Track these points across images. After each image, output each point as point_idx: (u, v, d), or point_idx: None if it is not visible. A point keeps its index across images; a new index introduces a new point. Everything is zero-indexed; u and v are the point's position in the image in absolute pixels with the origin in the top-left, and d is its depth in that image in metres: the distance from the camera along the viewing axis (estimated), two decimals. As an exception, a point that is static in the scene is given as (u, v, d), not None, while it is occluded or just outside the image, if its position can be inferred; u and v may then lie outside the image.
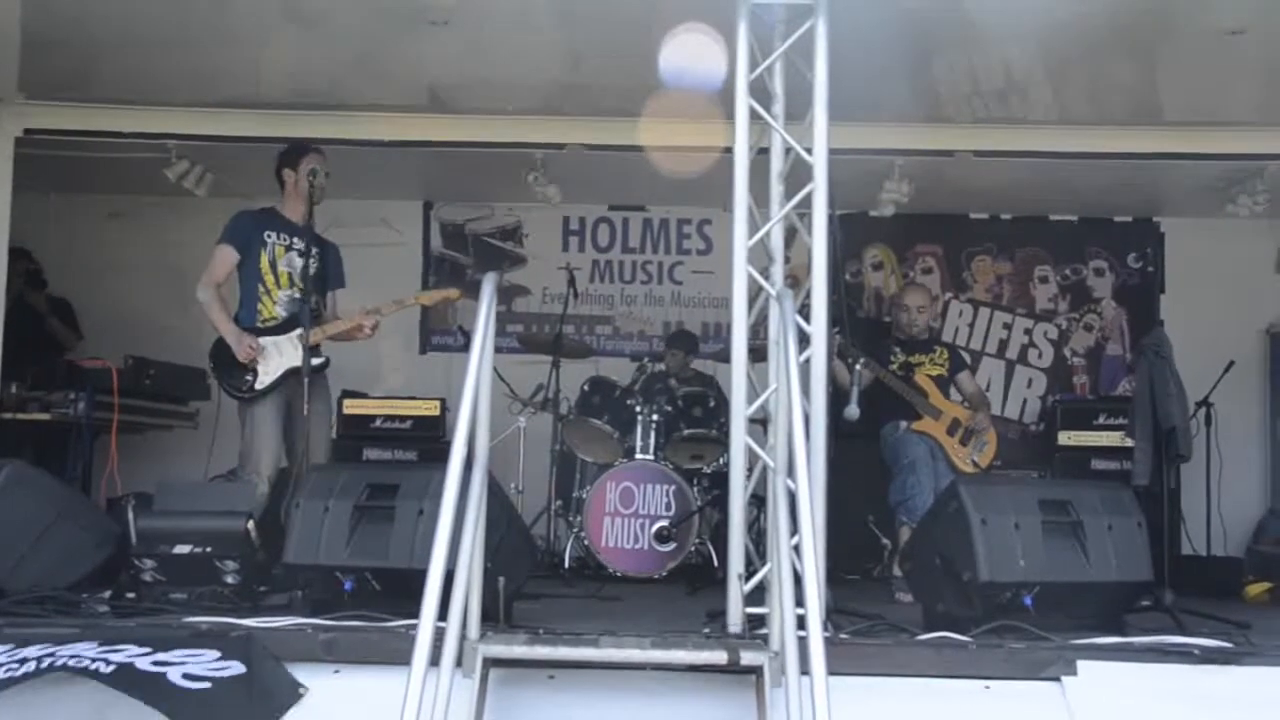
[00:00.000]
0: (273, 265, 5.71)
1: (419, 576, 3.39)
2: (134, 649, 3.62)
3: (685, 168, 6.86)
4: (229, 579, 4.51)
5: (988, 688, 3.75)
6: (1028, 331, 8.59)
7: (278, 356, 5.64)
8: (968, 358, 7.42)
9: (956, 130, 6.59)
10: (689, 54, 5.25)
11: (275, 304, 5.72)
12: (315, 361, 5.64)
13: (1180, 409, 5.37)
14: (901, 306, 6.73)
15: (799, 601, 3.42)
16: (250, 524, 4.54)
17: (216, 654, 3.63)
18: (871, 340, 6.70)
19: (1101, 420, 7.36)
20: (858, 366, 5.70)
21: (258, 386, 5.61)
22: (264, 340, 5.64)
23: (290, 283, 5.71)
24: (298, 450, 5.60)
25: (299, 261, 5.65)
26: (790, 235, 4.69)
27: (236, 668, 3.61)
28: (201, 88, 6.30)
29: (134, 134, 6.58)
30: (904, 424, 6.34)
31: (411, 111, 6.56)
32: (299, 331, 5.58)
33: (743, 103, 4.41)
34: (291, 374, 5.59)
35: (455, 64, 6.06)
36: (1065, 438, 7.38)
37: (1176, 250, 8.51)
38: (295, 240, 5.71)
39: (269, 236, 5.72)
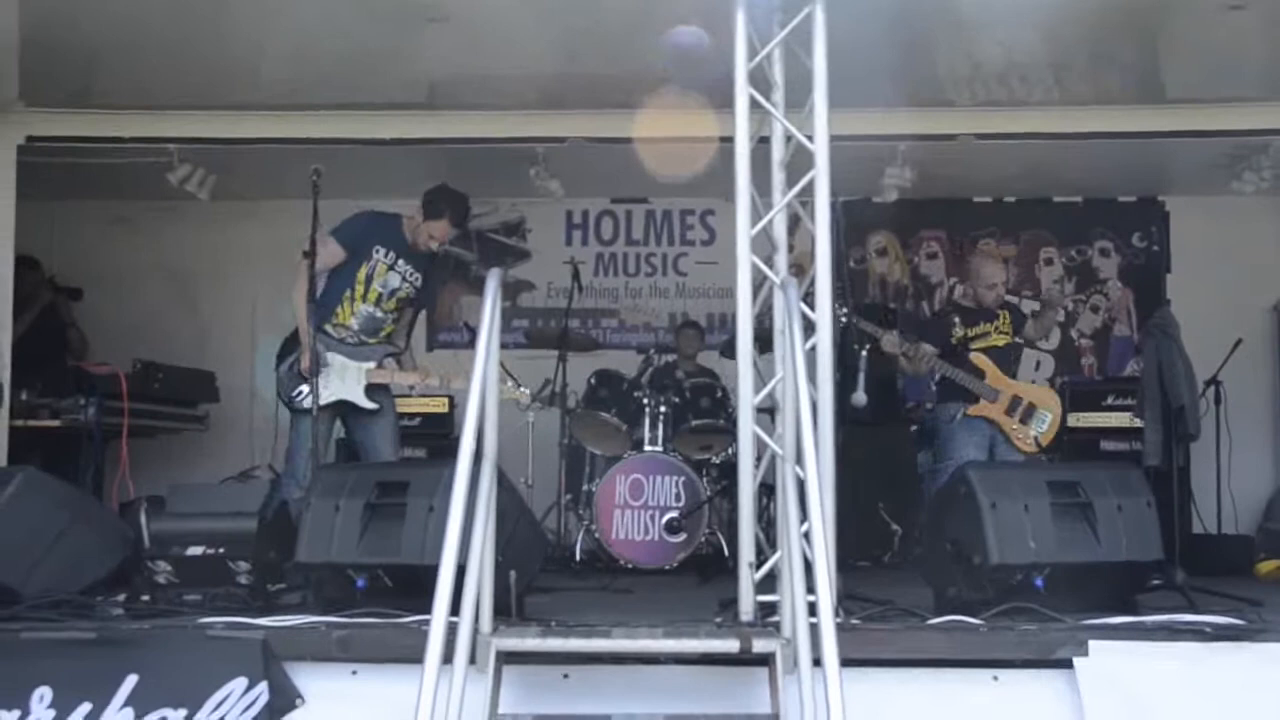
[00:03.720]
0: (369, 279, 5.69)
1: (431, 572, 3.41)
2: (169, 714, 3.69)
3: (685, 167, 6.89)
4: (242, 579, 4.53)
5: (996, 678, 3.77)
6: (1034, 314, 8.56)
7: (339, 381, 5.60)
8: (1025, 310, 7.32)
9: (958, 114, 6.56)
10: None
11: (353, 315, 5.71)
12: (369, 406, 5.68)
13: (1189, 388, 5.37)
14: (976, 277, 6.52)
15: (810, 588, 3.43)
16: (262, 525, 4.55)
17: (244, 683, 3.70)
18: (932, 318, 6.61)
19: (1110, 401, 7.37)
20: (864, 352, 5.70)
21: (305, 404, 5.53)
22: (335, 357, 5.62)
23: (377, 300, 5.72)
24: (355, 440, 5.70)
25: (394, 282, 5.73)
26: (793, 223, 4.68)
27: (262, 695, 3.69)
28: (201, 91, 6.30)
29: (135, 139, 6.57)
30: (960, 412, 6.24)
31: (412, 109, 6.56)
32: (370, 365, 5.65)
33: (742, 91, 4.40)
34: (344, 404, 5.62)
35: (454, 60, 6.06)
36: (1074, 419, 7.36)
37: (1182, 229, 8.49)
38: (400, 262, 5.74)
39: (378, 252, 5.70)
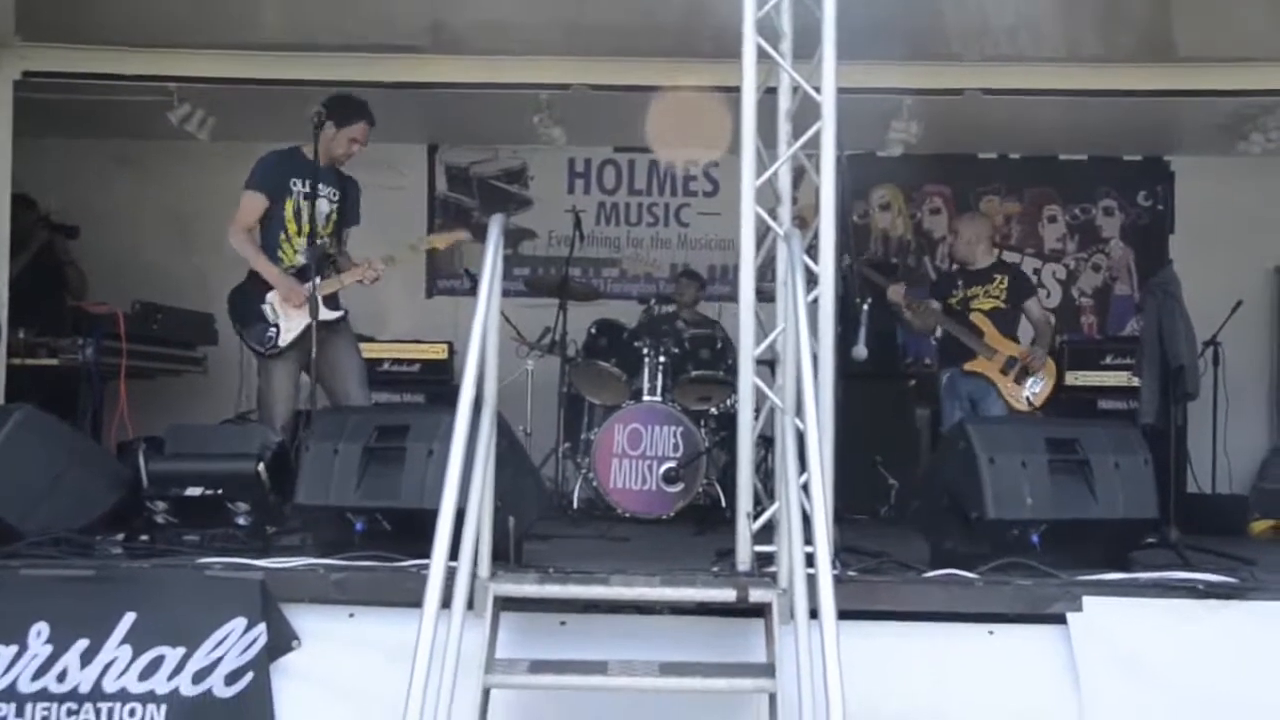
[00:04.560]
0: (296, 214, 5.65)
1: (429, 517, 3.41)
2: (167, 651, 3.71)
3: (688, 129, 6.91)
4: (240, 520, 4.54)
5: (991, 632, 3.80)
6: (1036, 271, 8.56)
7: (298, 310, 5.55)
8: (1034, 280, 7.45)
9: (965, 68, 6.52)
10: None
11: (296, 251, 5.68)
12: (334, 315, 5.65)
13: (1188, 347, 5.35)
14: (954, 232, 6.82)
15: (807, 540, 3.44)
16: (261, 466, 4.55)
17: (243, 623, 3.73)
18: (941, 278, 6.76)
19: (1109, 360, 7.38)
20: (865, 305, 5.70)
21: (281, 344, 5.56)
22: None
23: (312, 230, 5.68)
24: (337, 393, 5.64)
25: (324, 208, 5.66)
26: (798, 176, 4.65)
27: (260, 636, 3.73)
28: (203, 29, 6.25)
29: (135, 76, 6.51)
30: (946, 375, 6.49)
31: (415, 53, 6.50)
32: (316, 281, 5.55)
33: (750, 41, 4.35)
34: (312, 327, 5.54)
35: (459, 3, 6.00)
36: (1072, 378, 7.37)
37: (1187, 189, 8.47)
38: (320, 186, 5.66)
39: (294, 184, 5.64)
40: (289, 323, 5.56)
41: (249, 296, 5.64)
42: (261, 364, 5.69)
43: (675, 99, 6.43)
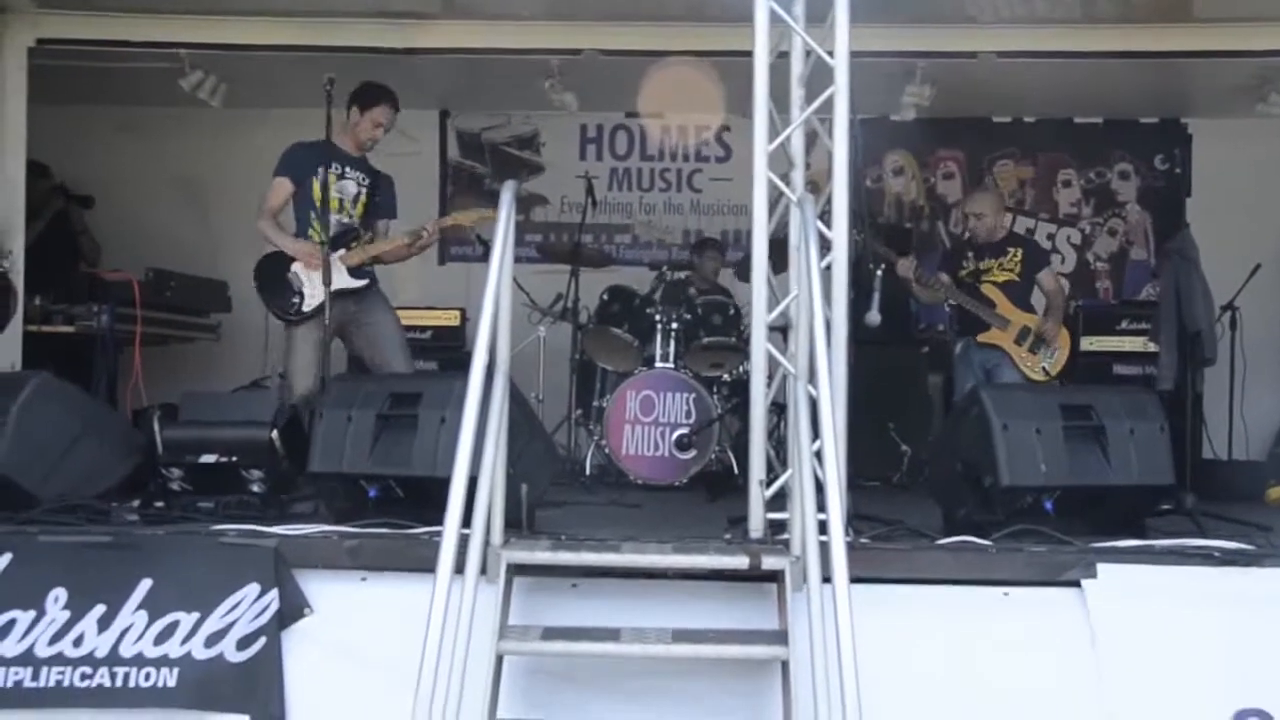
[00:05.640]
0: (324, 189, 5.70)
1: (442, 484, 3.43)
2: (182, 616, 3.75)
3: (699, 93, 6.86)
4: (255, 487, 4.55)
5: (1006, 594, 3.78)
6: (1050, 236, 8.51)
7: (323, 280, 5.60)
8: (1048, 252, 7.48)
9: (980, 31, 6.45)
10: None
11: (324, 229, 5.71)
12: (358, 284, 5.71)
13: (1206, 312, 5.34)
14: (978, 216, 6.69)
15: (820, 507, 3.44)
16: (275, 433, 4.57)
17: (256, 589, 3.76)
18: (953, 249, 6.75)
19: (1124, 325, 7.34)
20: (879, 272, 5.67)
21: (304, 309, 5.63)
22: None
23: (340, 207, 5.76)
24: (378, 366, 5.71)
25: (351, 189, 5.76)
26: (811, 141, 4.62)
27: (273, 602, 3.76)
28: (213, -6, 6.23)
29: (147, 43, 6.50)
30: (960, 344, 6.48)
31: (426, 18, 6.47)
32: (340, 252, 5.65)
33: (762, 4, 4.31)
34: (338, 296, 5.59)
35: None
36: (1088, 343, 7.35)
37: (1204, 152, 8.38)
38: (349, 170, 5.78)
39: (321, 169, 5.70)
40: (313, 289, 5.61)
41: (276, 264, 5.71)
42: (287, 332, 5.75)
43: (666, 69, 6.37)
